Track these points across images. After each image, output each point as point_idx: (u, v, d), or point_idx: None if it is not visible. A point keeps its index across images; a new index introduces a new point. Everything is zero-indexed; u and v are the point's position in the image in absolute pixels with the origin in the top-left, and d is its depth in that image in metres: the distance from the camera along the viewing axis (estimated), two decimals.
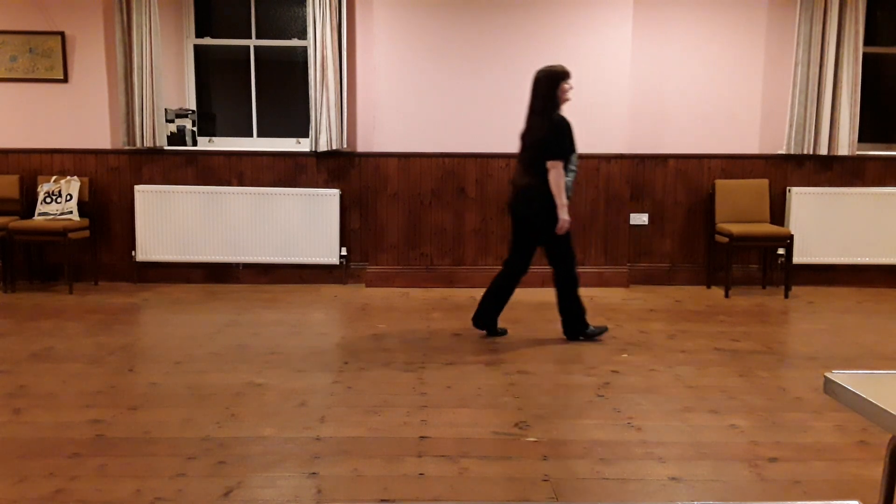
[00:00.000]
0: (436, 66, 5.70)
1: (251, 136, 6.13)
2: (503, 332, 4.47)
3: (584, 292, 5.65)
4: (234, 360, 3.91)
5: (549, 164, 4.07)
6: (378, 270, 5.86)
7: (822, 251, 5.87)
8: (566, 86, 4.13)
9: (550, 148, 4.07)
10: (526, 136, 4.23)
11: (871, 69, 6.07)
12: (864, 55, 5.79)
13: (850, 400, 1.42)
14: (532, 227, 4.22)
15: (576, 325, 4.34)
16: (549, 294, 5.61)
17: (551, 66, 4.16)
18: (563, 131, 4.08)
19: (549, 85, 4.11)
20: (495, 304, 4.36)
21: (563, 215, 4.11)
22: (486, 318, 4.38)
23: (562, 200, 4.10)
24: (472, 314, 4.95)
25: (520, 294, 5.56)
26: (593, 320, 4.80)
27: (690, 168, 5.94)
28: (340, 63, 5.66)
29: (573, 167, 4.24)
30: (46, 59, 5.75)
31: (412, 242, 5.86)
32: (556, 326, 4.64)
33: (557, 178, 4.07)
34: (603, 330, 4.42)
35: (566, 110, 4.21)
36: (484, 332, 4.48)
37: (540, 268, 5.84)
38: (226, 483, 2.53)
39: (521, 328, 4.61)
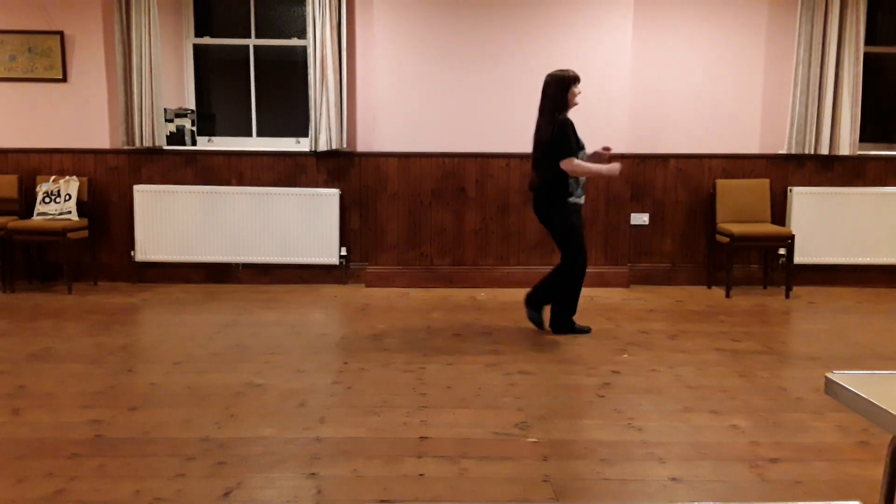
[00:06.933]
0: (436, 66, 5.70)
1: (251, 135, 6.13)
2: (584, 330, 4.51)
3: (585, 292, 5.64)
4: (233, 361, 3.91)
5: (562, 164, 4.19)
6: (378, 270, 5.85)
7: (823, 251, 5.86)
8: (575, 90, 4.28)
9: (557, 148, 4.20)
10: (535, 136, 4.38)
11: (873, 69, 6.06)
12: (865, 55, 5.78)
13: (851, 400, 1.41)
14: (546, 225, 4.40)
15: (559, 320, 4.46)
16: None
17: (562, 70, 4.30)
18: (566, 130, 4.20)
19: (558, 88, 4.25)
20: (549, 299, 4.48)
21: (608, 172, 4.28)
22: (542, 305, 4.53)
23: (596, 170, 4.24)
24: (472, 314, 4.96)
25: (520, 294, 5.56)
26: (593, 320, 4.80)
27: (691, 168, 5.93)
28: (340, 63, 5.65)
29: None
30: (45, 58, 5.74)
31: (412, 242, 5.85)
32: None
33: (575, 168, 4.20)
34: (586, 330, 4.51)
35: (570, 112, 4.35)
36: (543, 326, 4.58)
37: (540, 267, 5.83)
38: (225, 483, 2.52)
39: (522, 328, 4.61)
